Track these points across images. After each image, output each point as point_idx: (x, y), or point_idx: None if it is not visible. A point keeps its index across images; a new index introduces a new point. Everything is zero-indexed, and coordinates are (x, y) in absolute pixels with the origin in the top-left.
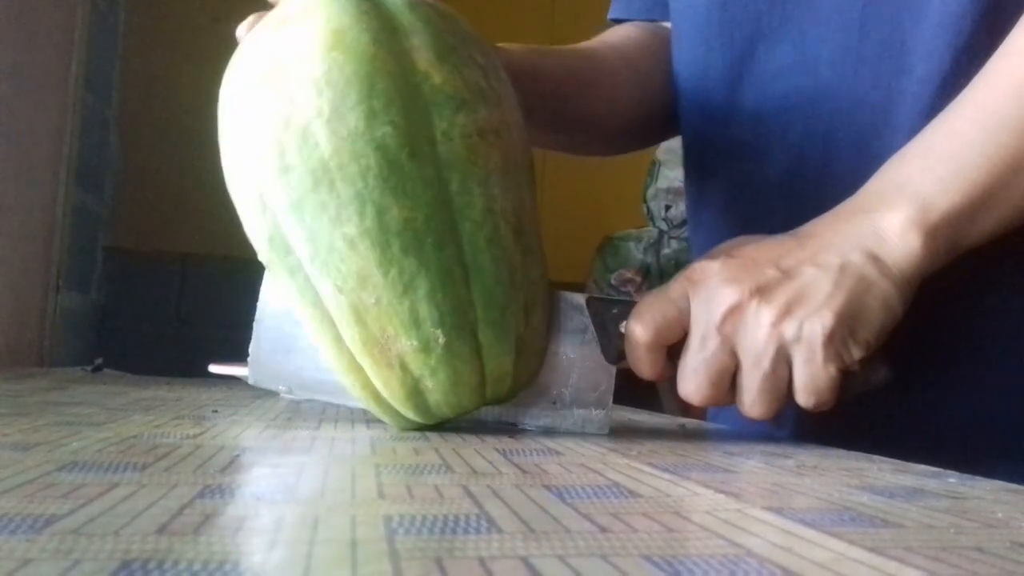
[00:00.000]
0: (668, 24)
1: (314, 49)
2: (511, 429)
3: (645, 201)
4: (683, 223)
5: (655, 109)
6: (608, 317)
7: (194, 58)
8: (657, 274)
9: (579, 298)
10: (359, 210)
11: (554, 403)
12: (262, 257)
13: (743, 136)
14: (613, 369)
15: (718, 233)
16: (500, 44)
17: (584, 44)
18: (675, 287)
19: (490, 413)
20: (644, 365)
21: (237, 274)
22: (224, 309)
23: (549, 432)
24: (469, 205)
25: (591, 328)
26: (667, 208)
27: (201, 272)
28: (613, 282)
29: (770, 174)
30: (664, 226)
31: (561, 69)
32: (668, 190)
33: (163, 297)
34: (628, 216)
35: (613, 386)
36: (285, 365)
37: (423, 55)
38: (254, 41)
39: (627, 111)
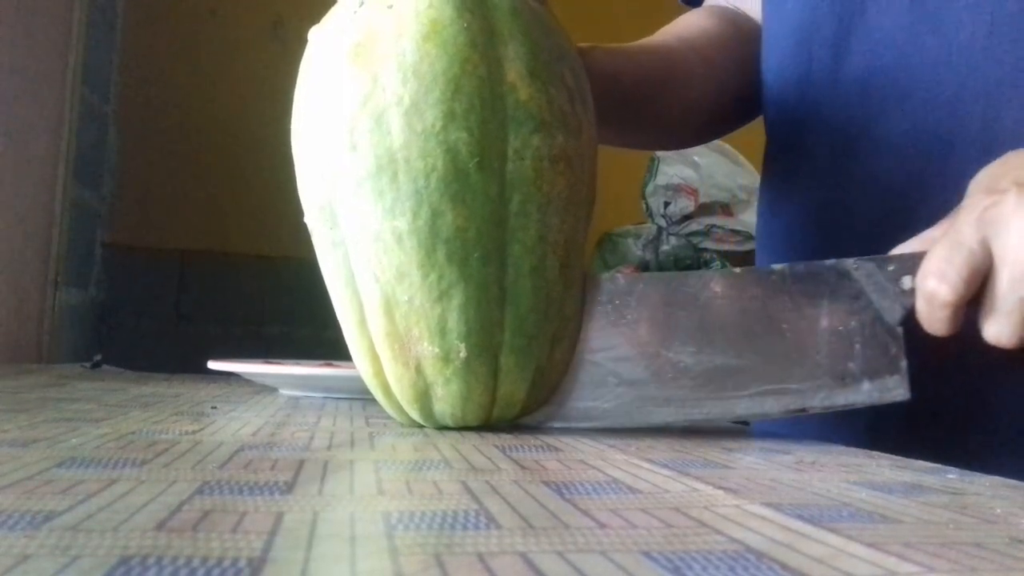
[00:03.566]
0: (740, 6)
1: (409, 35)
2: (799, 414)
3: (644, 198)
4: (682, 219)
5: (726, 102)
6: (884, 276)
7: (193, 52)
8: (655, 271)
9: (846, 263)
10: (414, 208)
11: (843, 379)
12: (307, 220)
13: (849, 105)
14: (900, 329)
15: (807, 214)
16: (583, 44)
17: (658, 40)
18: (966, 231)
19: (775, 403)
20: (945, 324)
21: (236, 270)
22: (223, 305)
23: (549, 429)
24: (524, 228)
25: (866, 292)
26: (666, 204)
27: (200, 268)
28: None
29: (881, 145)
30: (663, 222)
31: (639, 72)
32: (667, 186)
33: (162, 293)
34: (627, 212)
35: (904, 345)
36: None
37: (514, 66)
38: (355, 4)
39: (700, 108)
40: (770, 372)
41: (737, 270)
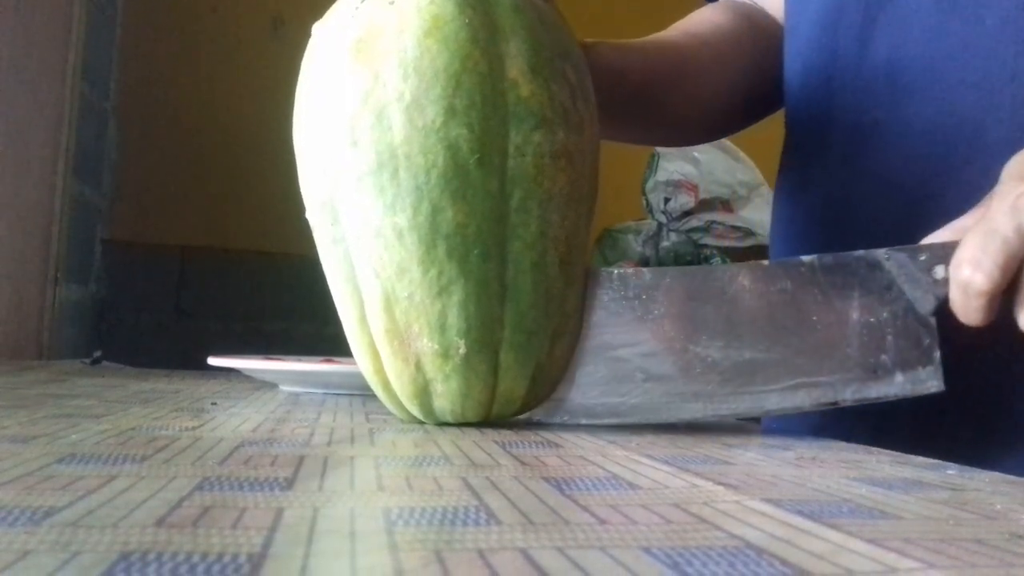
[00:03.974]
0: (758, 0)
1: (411, 31)
2: (830, 407)
3: (644, 194)
4: (682, 215)
5: (737, 99)
6: (916, 265)
7: (193, 49)
8: (655, 267)
9: (877, 254)
10: (415, 204)
11: (875, 371)
12: (309, 216)
13: (873, 92)
14: (933, 319)
15: (827, 204)
16: (589, 40)
17: (669, 36)
18: (1001, 219)
19: (806, 396)
20: (981, 313)
21: (236, 266)
22: (224, 301)
23: (549, 425)
24: (524, 224)
25: (897, 282)
26: (666, 200)
27: (200, 264)
28: None
29: (906, 133)
30: (663, 219)
31: (646, 69)
32: (667, 183)
33: (162, 289)
34: (627, 209)
35: (938, 336)
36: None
37: (516, 63)
38: (356, 0)
39: (711, 105)
40: (800, 365)
41: (764, 263)
